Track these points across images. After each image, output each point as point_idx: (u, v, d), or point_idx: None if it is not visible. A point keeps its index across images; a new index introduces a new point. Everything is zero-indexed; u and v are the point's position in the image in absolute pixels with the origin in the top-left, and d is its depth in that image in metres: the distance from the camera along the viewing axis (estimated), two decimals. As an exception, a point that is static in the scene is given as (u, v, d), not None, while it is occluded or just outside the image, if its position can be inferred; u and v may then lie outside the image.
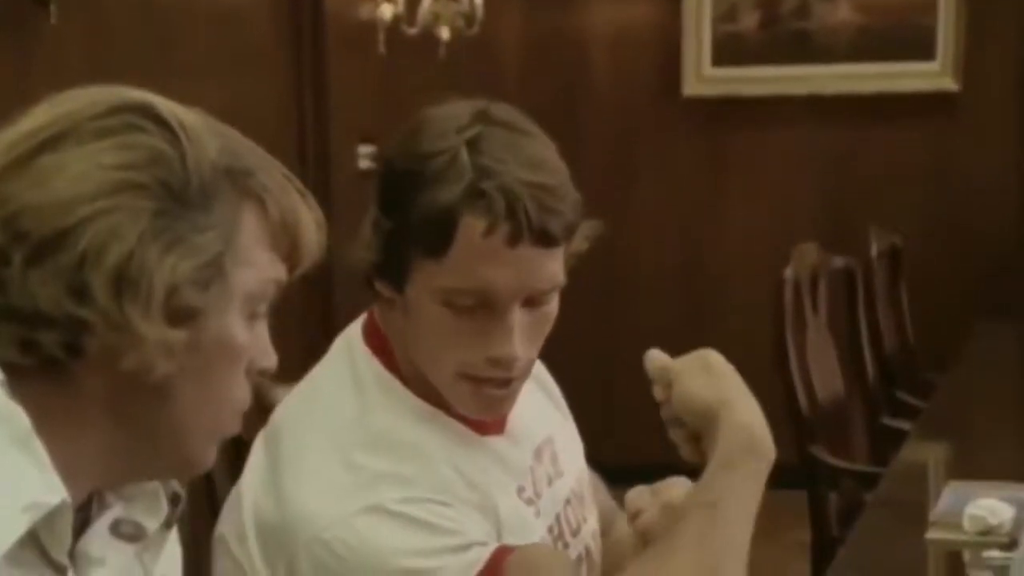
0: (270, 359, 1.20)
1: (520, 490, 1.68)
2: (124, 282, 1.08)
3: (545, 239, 1.54)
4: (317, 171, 4.81)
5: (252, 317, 1.17)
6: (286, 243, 1.18)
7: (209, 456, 1.19)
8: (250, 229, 1.15)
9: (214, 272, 1.12)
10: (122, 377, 1.10)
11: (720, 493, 1.54)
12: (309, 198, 1.21)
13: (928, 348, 4.85)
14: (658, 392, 1.62)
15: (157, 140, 1.12)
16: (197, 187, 1.12)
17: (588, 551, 1.78)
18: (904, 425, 3.66)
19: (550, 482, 1.74)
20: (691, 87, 5.72)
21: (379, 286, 1.61)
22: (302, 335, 4.75)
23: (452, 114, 1.58)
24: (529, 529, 1.65)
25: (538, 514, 1.69)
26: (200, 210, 1.12)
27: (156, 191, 1.10)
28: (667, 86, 5.76)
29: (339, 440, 1.58)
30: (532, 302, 1.58)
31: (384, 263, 1.59)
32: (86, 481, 1.14)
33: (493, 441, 1.67)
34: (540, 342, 1.62)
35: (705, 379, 1.60)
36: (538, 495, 1.71)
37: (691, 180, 5.82)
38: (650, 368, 1.62)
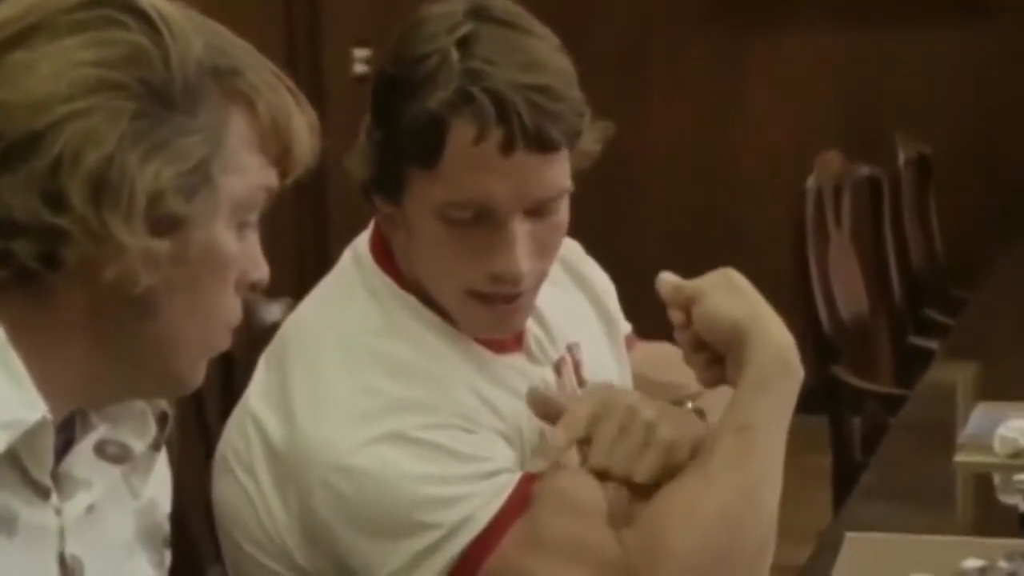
0: (261, 271, 1.19)
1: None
2: (103, 188, 1.07)
3: (542, 144, 1.52)
4: (308, 76, 4.78)
5: (241, 226, 1.17)
6: (277, 147, 1.17)
7: (198, 374, 1.19)
8: (238, 132, 1.14)
9: (200, 178, 1.11)
10: (103, 290, 1.10)
11: (755, 416, 1.55)
12: (301, 98, 1.19)
13: (957, 263, 4.84)
14: (675, 315, 1.61)
15: (138, 36, 1.10)
16: (181, 87, 1.10)
17: None
18: (931, 344, 3.66)
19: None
20: (708, -14, 5.67)
21: (377, 201, 1.60)
22: (295, 246, 4.74)
23: (446, 11, 1.56)
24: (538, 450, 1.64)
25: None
26: (184, 112, 1.10)
27: (137, 91, 1.09)
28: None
29: (357, 361, 1.57)
30: (536, 212, 1.56)
31: (379, 176, 1.58)
32: (68, 399, 1.14)
33: (511, 360, 1.66)
34: (552, 253, 1.61)
35: (732, 297, 1.59)
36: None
37: (707, 86, 5.78)
38: (664, 291, 1.61)
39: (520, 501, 1.53)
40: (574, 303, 1.81)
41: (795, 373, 1.57)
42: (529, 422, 1.62)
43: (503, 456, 1.57)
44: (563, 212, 1.59)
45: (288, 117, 1.17)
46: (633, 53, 5.81)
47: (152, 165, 1.08)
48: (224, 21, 1.19)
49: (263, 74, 1.17)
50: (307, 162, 1.20)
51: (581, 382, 1.75)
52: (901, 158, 4.52)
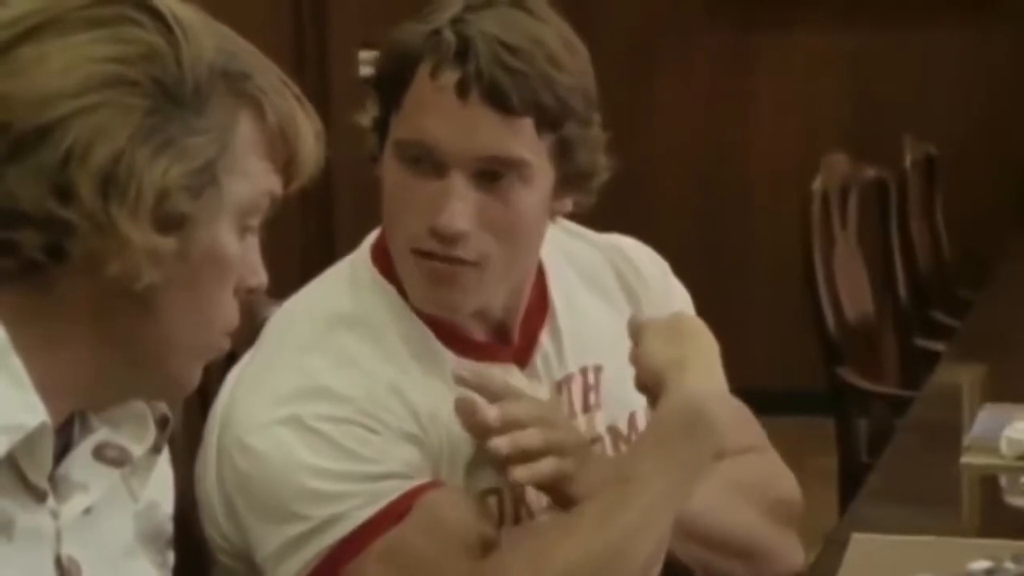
0: (258, 277, 1.20)
1: None
2: (112, 183, 1.07)
3: (497, 97, 1.51)
4: (315, 78, 4.79)
5: (243, 231, 1.17)
6: (283, 153, 1.17)
7: (194, 376, 1.19)
8: (245, 136, 1.15)
9: (207, 179, 1.11)
10: (106, 286, 1.10)
11: (641, 469, 1.52)
12: (307, 106, 1.20)
13: (964, 265, 4.83)
14: (631, 353, 1.60)
15: (152, 35, 1.11)
16: (192, 87, 1.11)
17: None
18: (938, 346, 3.65)
19: (574, 416, 1.70)
20: (714, -13, 5.67)
21: (377, 171, 1.61)
22: (301, 246, 4.75)
23: None
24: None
25: None
26: (194, 112, 1.11)
27: (148, 89, 1.09)
28: (688, -14, 5.71)
29: (308, 342, 1.58)
30: (485, 178, 1.54)
31: (374, 138, 1.60)
32: (67, 401, 1.14)
33: (497, 370, 1.64)
34: (509, 238, 1.57)
35: (667, 343, 1.57)
36: None
37: (713, 85, 5.78)
38: (629, 328, 1.61)
39: (398, 512, 1.52)
40: (606, 316, 1.76)
41: (700, 432, 1.53)
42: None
43: (398, 462, 1.55)
44: (521, 197, 1.56)
45: (294, 123, 1.18)
46: (640, 53, 5.80)
47: (160, 162, 1.09)
48: (232, 22, 1.19)
49: (271, 79, 1.17)
50: (311, 170, 1.20)
51: (588, 407, 1.72)
52: (908, 160, 4.51)
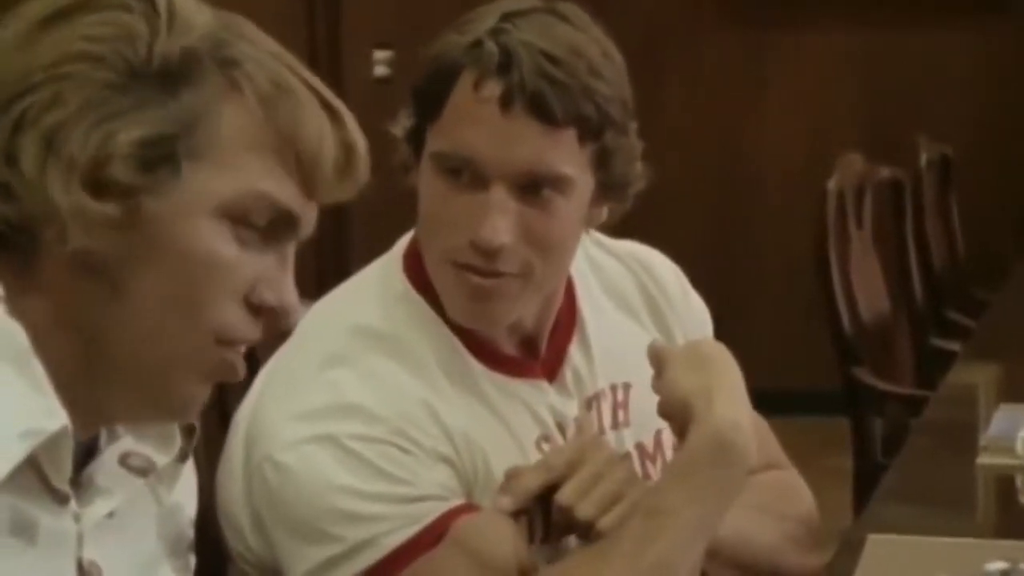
0: (275, 295, 1.15)
1: (543, 440, 1.64)
2: (51, 147, 1.08)
3: (540, 110, 1.50)
4: (329, 78, 4.79)
5: (239, 227, 1.13)
6: (290, 156, 1.14)
7: (189, 389, 1.16)
8: (233, 126, 1.13)
9: (161, 154, 1.10)
10: (67, 259, 1.10)
11: (669, 501, 1.51)
12: (339, 115, 1.17)
13: (979, 264, 4.82)
14: (653, 382, 1.59)
15: (135, 17, 1.11)
16: (160, 68, 1.10)
17: None
18: (953, 346, 3.65)
19: (603, 432, 1.69)
20: (727, -13, 5.67)
21: (410, 182, 1.60)
22: (315, 256, 4.73)
23: (522, 4, 1.57)
24: None
25: None
26: (158, 89, 1.10)
27: (114, 64, 1.10)
28: (701, -14, 5.71)
29: (335, 356, 1.56)
30: (526, 191, 1.53)
31: (406, 149, 1.59)
32: (79, 407, 1.13)
33: (528, 385, 1.64)
34: (547, 250, 1.56)
35: (691, 371, 1.55)
36: None
37: (726, 85, 5.78)
38: (649, 355, 1.60)
39: (434, 536, 1.51)
40: (634, 339, 1.73)
41: (733, 459, 1.51)
42: (503, 451, 1.60)
43: (433, 484, 1.54)
44: (561, 208, 1.55)
45: (296, 124, 1.14)
46: (652, 51, 5.79)
47: (104, 129, 1.08)
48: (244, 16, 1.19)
49: (275, 75, 1.14)
50: (333, 180, 1.16)
51: (617, 424, 1.71)
52: (923, 159, 4.51)
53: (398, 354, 1.58)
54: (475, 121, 1.52)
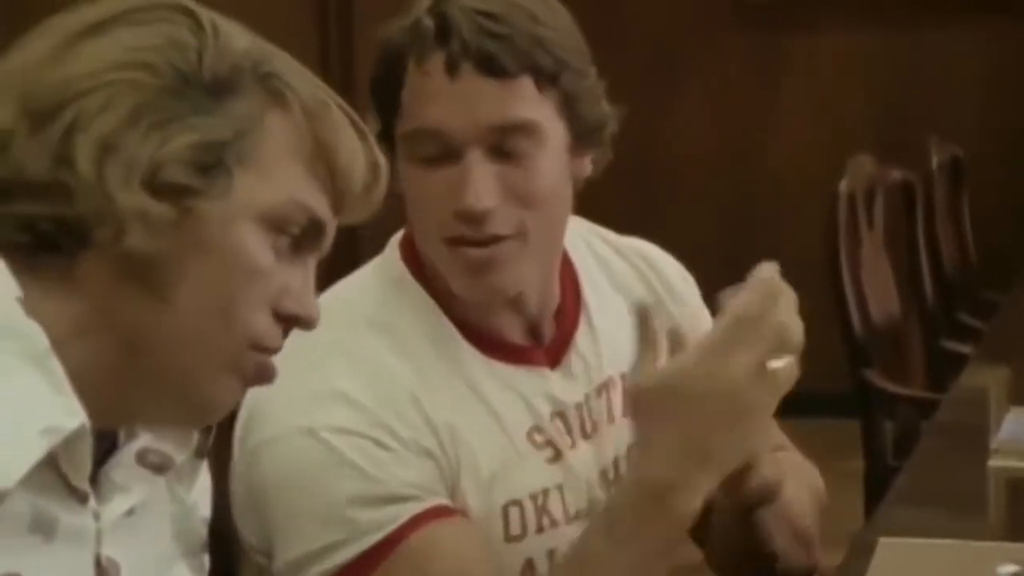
0: (301, 307, 1.18)
1: (534, 431, 1.63)
2: (108, 149, 1.10)
3: (488, 66, 1.51)
4: (339, 81, 4.81)
5: (277, 239, 1.16)
6: (322, 167, 1.17)
7: (225, 391, 1.18)
8: (276, 138, 1.15)
9: (212, 159, 1.12)
10: (114, 260, 1.11)
11: (589, 556, 1.46)
12: (368, 137, 1.20)
13: (990, 266, 4.82)
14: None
15: (181, 30, 1.14)
16: (210, 77, 1.13)
17: None
18: (964, 348, 3.64)
19: (612, 420, 1.69)
20: (739, -11, 5.66)
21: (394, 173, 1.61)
22: (326, 277, 4.74)
23: None
24: (522, 474, 1.61)
25: (556, 459, 1.64)
26: (209, 97, 1.13)
27: (164, 71, 1.12)
28: (714, -12, 5.71)
29: (331, 337, 1.54)
30: (499, 150, 1.53)
31: (382, 144, 1.58)
32: (99, 404, 1.14)
33: (530, 371, 1.64)
34: (532, 204, 1.55)
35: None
36: (586, 434, 1.67)
37: (739, 87, 5.77)
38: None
39: (394, 542, 1.51)
40: (631, 332, 1.72)
41: (659, 518, 1.40)
42: (489, 441, 1.59)
43: (406, 483, 1.53)
44: (538, 159, 1.54)
45: (336, 139, 1.17)
46: (666, 54, 5.80)
47: (160, 133, 1.11)
48: (256, 25, 1.20)
49: (313, 92, 1.18)
50: (360, 196, 1.19)
51: (628, 412, 1.69)
52: (934, 161, 4.50)
53: (391, 343, 1.59)
54: (430, 96, 1.52)
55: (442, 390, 1.58)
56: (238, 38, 1.16)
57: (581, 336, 1.69)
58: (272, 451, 1.54)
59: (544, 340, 1.67)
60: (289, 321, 1.18)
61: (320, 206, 1.18)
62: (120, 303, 1.13)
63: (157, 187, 1.10)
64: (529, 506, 1.62)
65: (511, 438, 1.62)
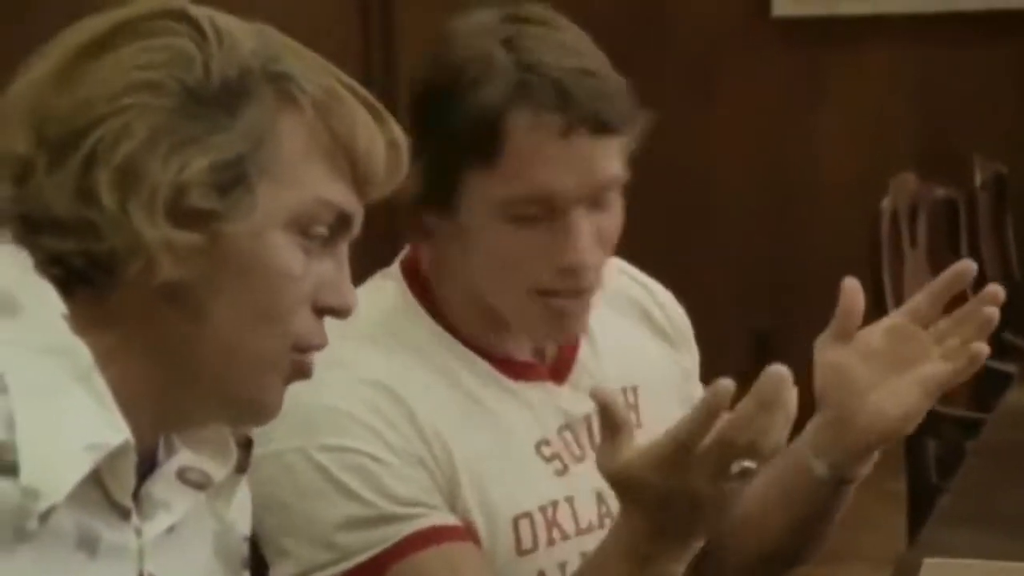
0: (340, 298, 1.18)
1: (542, 444, 1.64)
2: (128, 180, 1.08)
3: (601, 127, 1.52)
4: (383, 91, 4.80)
5: (306, 240, 1.15)
6: (343, 159, 1.16)
7: (268, 395, 1.18)
8: (293, 140, 1.14)
9: (234, 176, 1.11)
10: (147, 290, 1.10)
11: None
12: (383, 115, 1.18)
13: (1035, 285, 4.78)
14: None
15: (183, 40, 1.12)
16: (219, 87, 1.11)
17: None
18: (1009, 367, 3.61)
19: None
20: (782, 6, 5.64)
21: (427, 220, 1.59)
22: (361, 266, 4.76)
23: (482, 20, 1.57)
24: (530, 486, 1.61)
25: (563, 471, 1.64)
26: (222, 111, 1.11)
27: (173, 89, 1.10)
28: (756, 5, 5.69)
29: (332, 354, 1.54)
30: (596, 203, 1.55)
31: (432, 190, 1.56)
32: (143, 419, 1.13)
33: (535, 387, 1.64)
34: (610, 248, 1.59)
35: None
36: (593, 447, 1.65)
37: (780, 104, 5.75)
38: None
39: (378, 567, 1.51)
40: (640, 333, 1.79)
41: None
42: (497, 455, 1.58)
43: (399, 500, 1.52)
44: (619, 208, 1.58)
45: (352, 128, 1.16)
46: (707, 70, 5.78)
47: (178, 158, 1.09)
48: (299, 36, 1.19)
49: (323, 82, 1.16)
50: (383, 178, 1.18)
51: (635, 423, 1.71)
52: (978, 179, 4.48)
53: (388, 356, 1.58)
54: (540, 158, 1.51)
55: (443, 403, 1.58)
56: (243, 38, 1.14)
57: (584, 353, 1.70)
58: (267, 468, 1.52)
59: (547, 358, 1.68)
60: (327, 313, 1.18)
61: (345, 198, 1.16)
62: (158, 325, 1.12)
63: (181, 215, 1.09)
64: (539, 518, 1.62)
65: (519, 451, 1.62)
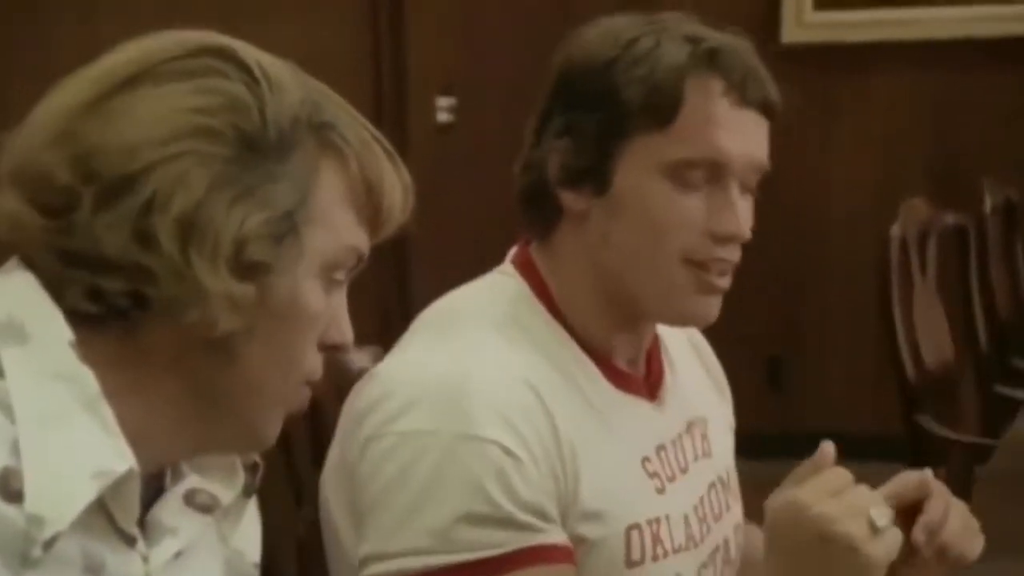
0: (342, 335, 1.20)
1: (645, 460, 1.63)
2: (191, 231, 1.09)
3: (767, 109, 1.61)
4: (393, 124, 4.81)
5: (329, 284, 1.17)
6: (369, 205, 1.18)
7: (273, 429, 1.19)
8: (330, 187, 1.15)
9: (287, 227, 1.12)
10: (188, 333, 1.11)
11: None
12: (397, 160, 1.20)
13: (1045, 311, 4.77)
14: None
15: (237, 86, 1.12)
16: (274, 137, 1.12)
17: (727, 542, 1.74)
18: (1019, 394, 3.61)
19: (696, 458, 1.70)
20: (791, 33, 5.65)
21: (570, 199, 1.59)
22: (378, 295, 4.76)
23: (626, 20, 1.62)
24: (639, 499, 1.61)
25: (662, 490, 1.64)
26: (275, 161, 1.12)
27: (230, 138, 1.11)
28: (765, 32, 5.69)
29: (472, 338, 1.56)
30: (745, 186, 1.61)
31: (586, 165, 1.57)
32: (151, 448, 1.14)
33: (631, 403, 1.64)
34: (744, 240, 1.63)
35: (770, 523, 1.41)
36: (682, 469, 1.67)
37: (789, 129, 5.74)
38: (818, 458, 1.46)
39: (485, 570, 1.47)
40: (701, 375, 1.81)
41: None
42: (607, 464, 1.57)
43: (523, 505, 1.49)
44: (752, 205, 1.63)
45: (380, 176, 1.18)
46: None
47: (239, 210, 1.10)
48: (310, 70, 1.20)
49: (358, 130, 1.18)
50: (398, 222, 1.21)
51: (700, 454, 1.71)
52: (988, 205, 4.48)
53: (521, 352, 1.57)
54: (717, 122, 1.57)
55: (576, 414, 1.57)
56: (290, 87, 1.15)
57: (668, 375, 1.71)
58: (393, 443, 1.49)
59: (640, 372, 1.68)
60: (330, 350, 1.20)
61: (364, 243, 1.19)
62: (187, 363, 1.14)
63: (240, 267, 1.10)
64: (647, 531, 1.61)
65: (630, 461, 1.61)
